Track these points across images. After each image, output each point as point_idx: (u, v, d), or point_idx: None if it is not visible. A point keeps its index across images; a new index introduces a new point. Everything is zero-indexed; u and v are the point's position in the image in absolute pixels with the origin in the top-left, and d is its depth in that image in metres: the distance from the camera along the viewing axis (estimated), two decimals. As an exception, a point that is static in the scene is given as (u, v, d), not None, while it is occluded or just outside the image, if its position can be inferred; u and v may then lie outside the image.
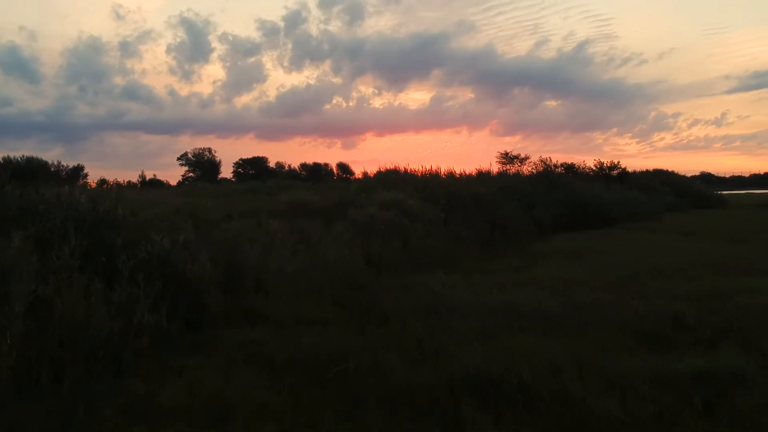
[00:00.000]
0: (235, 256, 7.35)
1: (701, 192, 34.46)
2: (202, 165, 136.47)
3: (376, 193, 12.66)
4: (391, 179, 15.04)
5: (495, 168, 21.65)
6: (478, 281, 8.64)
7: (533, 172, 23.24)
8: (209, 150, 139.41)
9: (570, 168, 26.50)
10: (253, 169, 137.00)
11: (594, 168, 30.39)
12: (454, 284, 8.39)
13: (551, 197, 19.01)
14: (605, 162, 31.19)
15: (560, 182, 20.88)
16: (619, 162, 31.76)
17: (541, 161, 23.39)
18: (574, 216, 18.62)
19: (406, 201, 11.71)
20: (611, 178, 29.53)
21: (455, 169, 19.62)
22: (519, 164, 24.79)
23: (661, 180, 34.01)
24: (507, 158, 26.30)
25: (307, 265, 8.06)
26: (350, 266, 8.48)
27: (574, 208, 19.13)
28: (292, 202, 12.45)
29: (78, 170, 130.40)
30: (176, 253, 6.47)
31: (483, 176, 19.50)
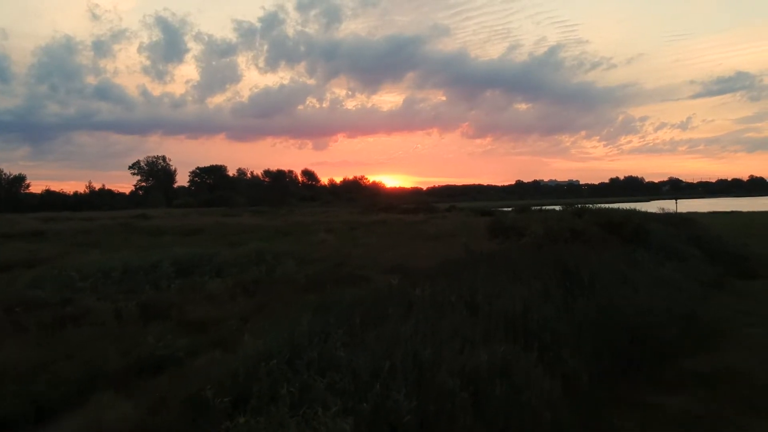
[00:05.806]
0: None
1: (736, 251, 25.82)
2: (156, 174, 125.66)
3: None
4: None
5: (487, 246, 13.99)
6: None
7: (538, 241, 15.40)
8: (163, 158, 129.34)
9: (578, 234, 18.19)
10: (210, 178, 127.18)
11: (600, 225, 22.44)
12: None
13: (575, 315, 11.24)
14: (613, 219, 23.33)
15: (582, 274, 13.09)
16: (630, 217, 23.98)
17: (546, 228, 15.54)
18: (614, 350, 10.84)
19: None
20: (627, 239, 21.82)
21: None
22: (517, 238, 16.83)
23: (687, 234, 25.99)
24: (501, 230, 18.28)
25: None
26: None
27: (609, 331, 11.35)
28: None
29: (20, 180, 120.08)
30: None
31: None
